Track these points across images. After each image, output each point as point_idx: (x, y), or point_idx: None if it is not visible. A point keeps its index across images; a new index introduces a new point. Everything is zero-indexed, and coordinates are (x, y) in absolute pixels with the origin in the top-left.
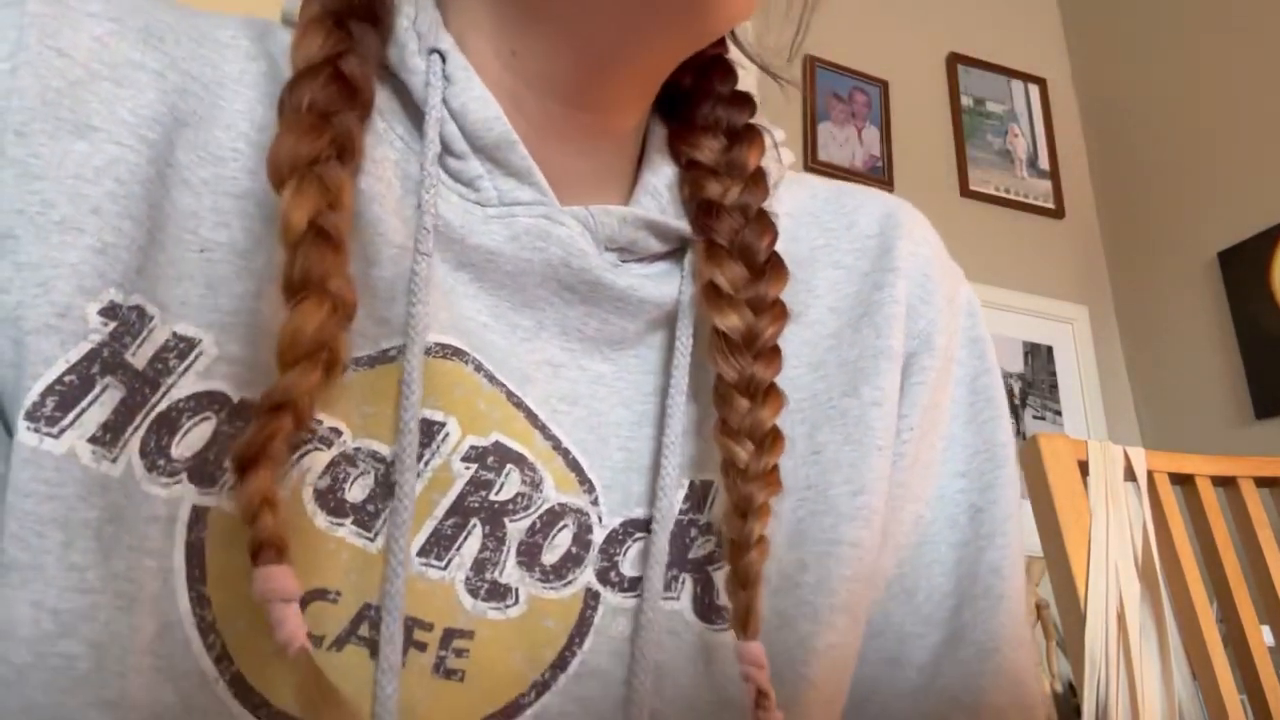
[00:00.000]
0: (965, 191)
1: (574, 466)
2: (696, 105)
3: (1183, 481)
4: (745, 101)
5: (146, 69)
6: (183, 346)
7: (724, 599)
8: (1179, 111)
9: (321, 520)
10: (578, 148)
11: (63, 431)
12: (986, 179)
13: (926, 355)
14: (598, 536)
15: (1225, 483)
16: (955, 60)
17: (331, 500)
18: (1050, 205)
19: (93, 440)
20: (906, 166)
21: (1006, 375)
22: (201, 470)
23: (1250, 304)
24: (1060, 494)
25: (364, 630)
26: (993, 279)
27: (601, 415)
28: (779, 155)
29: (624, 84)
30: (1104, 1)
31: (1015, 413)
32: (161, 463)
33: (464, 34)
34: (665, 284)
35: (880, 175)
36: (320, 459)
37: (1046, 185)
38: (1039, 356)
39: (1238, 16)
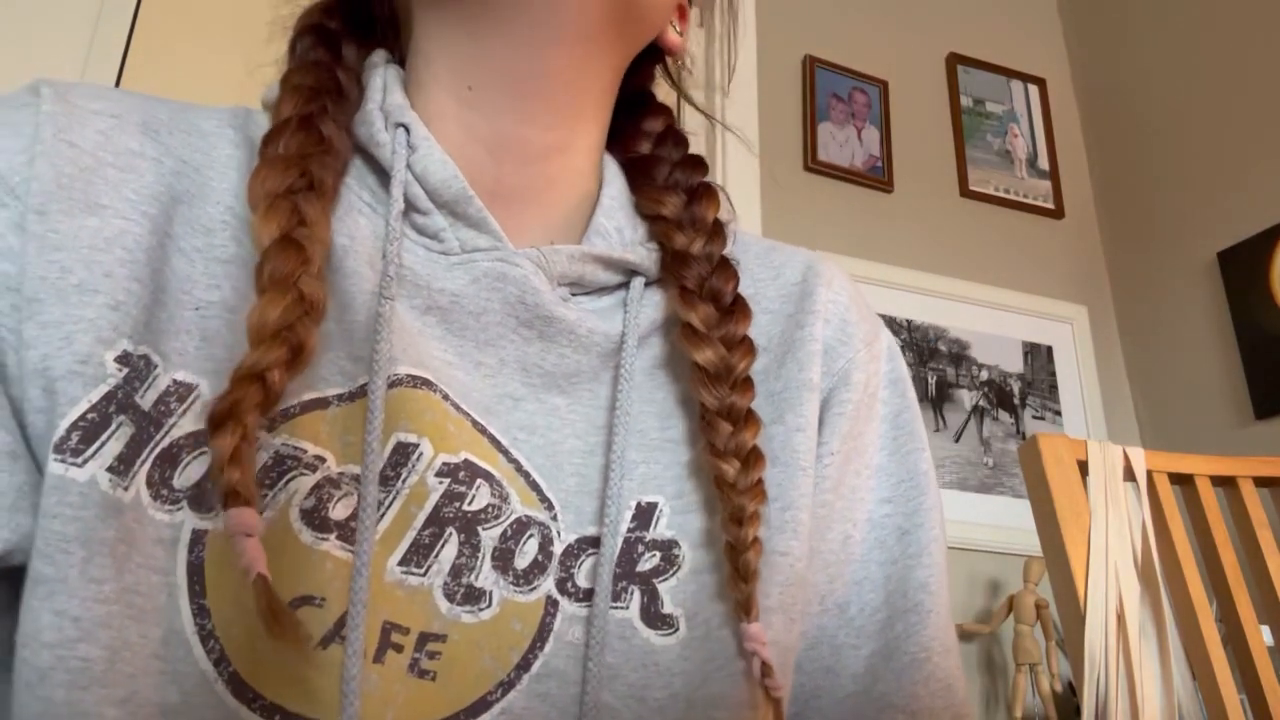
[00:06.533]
0: (965, 192)
1: (534, 486)
2: (655, 168)
3: (1182, 481)
4: (698, 164)
5: (145, 156)
6: (182, 390)
7: (668, 608)
8: (1179, 111)
9: (307, 536)
10: (535, 171)
11: (86, 461)
12: (986, 179)
13: (845, 390)
14: (558, 549)
15: (1225, 483)
16: (955, 60)
17: (316, 518)
18: (1050, 205)
19: (110, 469)
20: (906, 167)
21: (1006, 375)
22: (200, 498)
23: (1250, 304)
24: (1060, 494)
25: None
26: (992, 279)
27: (556, 444)
28: (732, 209)
29: (564, 91)
30: (1104, 1)
31: (1015, 413)
32: (165, 492)
33: (428, 90)
34: (612, 318)
35: (880, 175)
36: (306, 483)
37: (1046, 185)
38: (1038, 356)
39: (1238, 16)
